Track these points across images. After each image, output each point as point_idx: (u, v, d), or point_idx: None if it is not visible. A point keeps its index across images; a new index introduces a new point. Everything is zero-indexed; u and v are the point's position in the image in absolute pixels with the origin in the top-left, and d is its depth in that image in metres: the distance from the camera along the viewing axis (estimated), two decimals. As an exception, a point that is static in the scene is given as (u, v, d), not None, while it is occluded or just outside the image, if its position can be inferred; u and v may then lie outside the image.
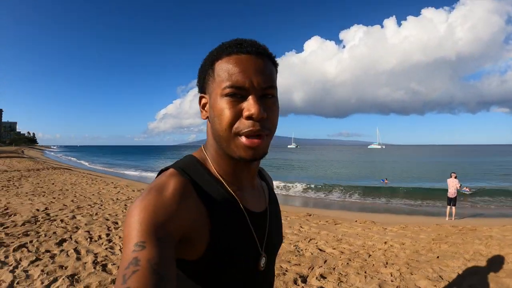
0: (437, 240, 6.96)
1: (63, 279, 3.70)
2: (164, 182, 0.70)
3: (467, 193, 17.66)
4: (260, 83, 0.71)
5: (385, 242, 6.79)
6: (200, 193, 0.72)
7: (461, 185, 11.74)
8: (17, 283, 3.56)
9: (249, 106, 0.70)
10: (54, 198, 9.74)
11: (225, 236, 0.73)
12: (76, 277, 3.80)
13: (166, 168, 0.77)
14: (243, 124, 0.70)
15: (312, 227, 8.21)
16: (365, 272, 4.89)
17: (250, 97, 0.70)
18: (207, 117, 0.79)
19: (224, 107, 0.71)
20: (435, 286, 4.39)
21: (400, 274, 4.84)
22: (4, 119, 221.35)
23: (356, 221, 9.65)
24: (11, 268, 3.96)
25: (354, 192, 19.53)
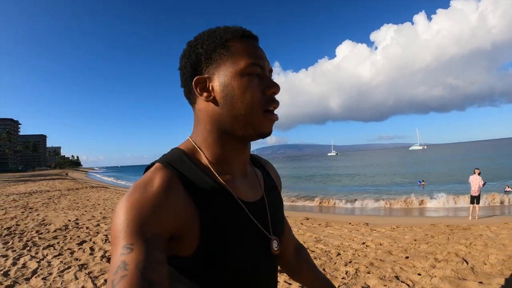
0: (419, 241, 6.70)
1: (75, 266, 4.81)
2: (148, 178, 0.66)
3: (510, 192, 16.35)
4: (270, 66, 0.76)
5: (363, 243, 6.67)
6: (188, 187, 0.68)
7: (485, 182, 10.93)
8: (40, 269, 4.75)
9: (272, 83, 0.72)
10: (86, 211, 11.01)
11: (218, 229, 0.68)
12: (85, 265, 4.87)
13: (152, 164, 0.74)
14: (270, 100, 0.71)
15: (300, 229, 8.18)
16: (324, 270, 4.88)
17: (266, 77, 0.73)
18: (212, 100, 0.73)
19: (248, 85, 0.70)
20: (385, 285, 4.24)
21: (356, 272, 4.75)
22: (48, 144, 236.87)
23: (350, 223, 9.49)
24: (37, 260, 5.17)
25: (380, 197, 18.71)
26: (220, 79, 0.71)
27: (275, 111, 0.74)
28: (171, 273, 0.66)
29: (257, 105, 0.70)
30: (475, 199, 10.86)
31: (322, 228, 8.58)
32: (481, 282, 4.17)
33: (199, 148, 0.76)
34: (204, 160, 0.74)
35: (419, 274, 4.60)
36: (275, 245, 0.78)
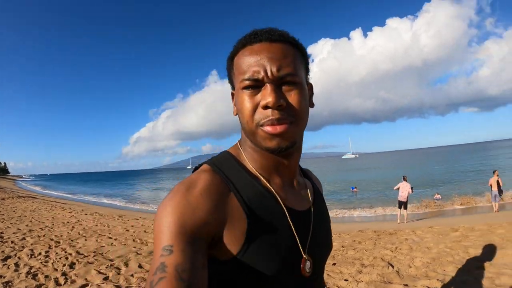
0: (346, 247, 6.55)
1: (-2, 284, 4.40)
2: (194, 179, 0.66)
3: (439, 199, 17.25)
4: (274, 72, 0.66)
5: None
6: (235, 190, 0.68)
7: (412, 188, 11.43)
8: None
9: (265, 95, 0.66)
10: (11, 223, 10.15)
11: (262, 234, 0.67)
12: (10, 283, 4.49)
13: (200, 165, 0.75)
14: (262, 114, 0.67)
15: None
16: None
17: (265, 87, 0.67)
18: (236, 114, 0.75)
19: (241, 100, 0.69)
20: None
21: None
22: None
23: None
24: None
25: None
26: (235, 94, 0.73)
27: (288, 123, 0.67)
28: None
29: (251, 120, 0.68)
30: (402, 204, 11.27)
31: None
32: (406, 285, 4.07)
33: (244, 154, 0.76)
34: (250, 166, 0.74)
35: (346, 280, 4.41)
36: (307, 265, 0.72)
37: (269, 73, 0.66)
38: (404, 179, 11.66)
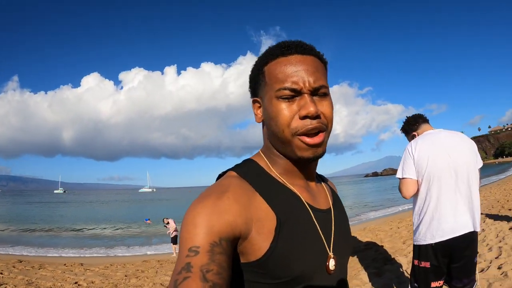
0: (129, 276, 7.64)
1: None
2: (223, 184, 0.69)
3: None
4: (311, 83, 0.70)
5: (76, 282, 6.96)
6: (262, 192, 0.71)
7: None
8: None
9: (304, 105, 0.69)
10: None
11: (291, 231, 0.69)
12: None
13: (225, 172, 0.78)
14: (300, 124, 0.70)
15: (12, 272, 7.42)
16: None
17: (303, 97, 0.70)
18: (262, 120, 0.79)
19: (279, 108, 0.71)
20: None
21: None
22: None
23: (65, 264, 9.34)
24: None
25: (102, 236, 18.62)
26: (264, 102, 0.76)
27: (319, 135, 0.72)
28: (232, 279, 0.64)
29: (287, 130, 0.71)
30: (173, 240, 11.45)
31: (35, 270, 8.16)
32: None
33: (267, 161, 0.79)
34: (273, 171, 0.78)
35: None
36: (332, 263, 0.75)
37: (307, 84, 0.70)
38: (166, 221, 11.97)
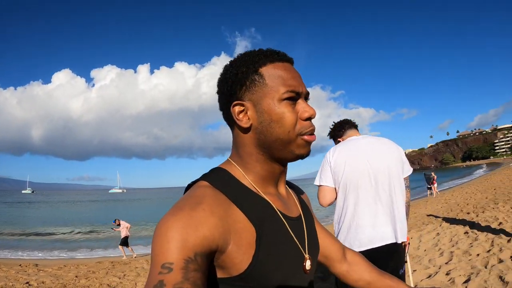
0: (80, 277, 7.46)
1: None
2: (197, 195, 0.66)
3: None
4: (305, 88, 0.75)
5: (27, 282, 6.79)
6: (236, 202, 0.68)
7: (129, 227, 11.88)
8: None
9: (307, 108, 0.73)
10: None
11: (269, 241, 0.69)
12: None
13: (194, 182, 0.75)
14: (304, 125, 0.73)
15: None
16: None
17: (301, 101, 0.74)
18: (250, 125, 0.74)
19: (284, 111, 0.71)
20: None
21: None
22: None
23: (20, 265, 9.10)
24: None
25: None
26: (257, 105, 0.73)
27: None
28: None
29: (293, 131, 0.72)
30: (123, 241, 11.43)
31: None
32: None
33: (239, 168, 0.77)
34: (246, 180, 0.76)
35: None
36: (308, 263, 0.77)
37: (304, 89, 0.75)
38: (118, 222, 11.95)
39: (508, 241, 5.31)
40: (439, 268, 4.56)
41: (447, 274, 4.26)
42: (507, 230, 6.12)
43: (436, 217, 9.64)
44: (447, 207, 11.65)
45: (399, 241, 2.10)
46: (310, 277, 0.81)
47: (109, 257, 11.54)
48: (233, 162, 0.78)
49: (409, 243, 2.36)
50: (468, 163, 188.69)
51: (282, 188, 0.84)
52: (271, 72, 0.73)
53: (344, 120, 2.52)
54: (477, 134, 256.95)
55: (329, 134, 2.58)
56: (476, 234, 6.29)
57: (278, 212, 0.75)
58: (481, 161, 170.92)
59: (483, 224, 7.16)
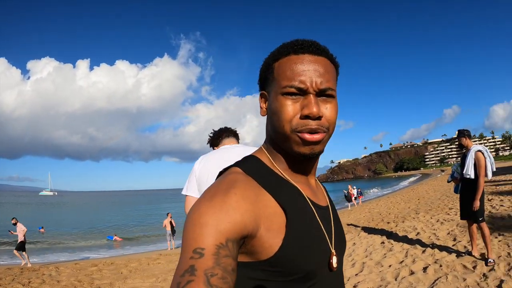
0: None
1: None
2: (229, 181, 0.67)
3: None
4: (318, 84, 0.70)
5: None
6: (268, 188, 0.69)
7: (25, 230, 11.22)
8: None
9: (308, 105, 0.69)
10: None
11: (299, 228, 0.68)
12: None
13: (227, 168, 0.76)
14: (301, 122, 0.70)
15: None
16: None
17: (308, 97, 0.70)
18: (266, 114, 0.78)
19: (282, 104, 0.71)
20: None
21: None
22: None
23: None
24: None
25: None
26: (270, 97, 0.76)
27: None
28: (238, 281, 0.62)
29: (288, 125, 0.70)
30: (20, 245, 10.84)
31: None
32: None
33: (269, 156, 0.78)
34: (276, 167, 0.77)
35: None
36: (334, 260, 0.75)
37: (314, 85, 0.69)
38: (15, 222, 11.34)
39: (423, 251, 5.57)
40: (348, 280, 4.65)
41: (354, 286, 4.33)
42: (423, 240, 6.40)
43: (356, 226, 10.01)
44: (369, 217, 12.14)
45: None
46: (339, 275, 0.79)
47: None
48: (264, 150, 0.81)
49: None
50: (400, 173, 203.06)
51: (312, 179, 0.84)
52: (280, 66, 0.73)
53: (223, 128, 2.46)
54: (408, 146, 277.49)
55: (208, 142, 2.50)
56: (392, 244, 6.50)
57: (308, 199, 0.75)
58: (412, 172, 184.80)
59: (400, 234, 7.44)
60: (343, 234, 0.87)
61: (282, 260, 0.65)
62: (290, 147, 0.73)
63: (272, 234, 0.65)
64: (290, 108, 0.70)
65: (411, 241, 6.49)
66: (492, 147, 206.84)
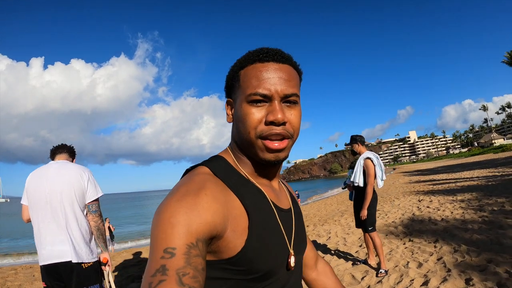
0: None
1: None
2: (198, 181, 0.68)
3: None
4: (283, 90, 0.72)
5: None
6: (234, 190, 0.71)
7: None
8: None
9: (272, 111, 0.71)
10: None
11: (261, 230, 0.71)
12: None
13: (193, 167, 0.77)
14: (266, 128, 0.72)
15: None
16: None
17: (273, 103, 0.72)
18: (232, 121, 0.80)
19: (247, 112, 0.72)
20: None
21: None
22: None
23: None
24: None
25: None
26: (236, 104, 0.77)
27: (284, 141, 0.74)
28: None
29: (253, 132, 0.72)
30: None
31: None
32: None
33: (234, 158, 0.80)
34: (241, 170, 0.78)
35: None
36: (292, 260, 0.77)
37: (278, 91, 0.72)
38: None
39: (322, 258, 5.20)
40: None
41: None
42: (329, 246, 6.21)
43: None
44: None
45: (78, 261, 2.32)
46: (296, 275, 0.82)
47: None
48: (230, 152, 0.82)
49: (108, 264, 2.61)
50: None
51: (276, 182, 0.86)
52: (246, 74, 0.75)
53: (60, 145, 2.72)
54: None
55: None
56: None
57: (270, 201, 0.77)
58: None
59: (312, 237, 7.20)
60: (304, 235, 0.91)
61: (243, 259, 0.66)
62: (255, 153, 0.75)
63: (237, 235, 0.67)
64: (255, 115, 0.72)
65: (318, 246, 6.28)
66: (443, 145, 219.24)
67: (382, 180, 4.52)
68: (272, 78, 0.72)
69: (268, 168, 0.80)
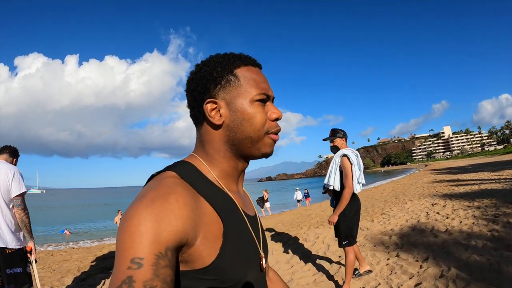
0: None
1: None
2: (167, 185, 0.63)
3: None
4: (272, 93, 0.80)
5: None
6: (205, 196, 0.68)
7: None
8: None
9: (275, 110, 0.78)
10: None
11: (234, 236, 0.69)
12: None
13: (159, 172, 0.73)
14: (272, 125, 0.77)
15: None
16: None
17: (270, 103, 0.78)
18: (222, 122, 0.76)
19: (258, 110, 0.75)
20: None
21: None
22: None
23: None
24: None
25: None
26: (230, 104, 0.75)
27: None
28: None
29: (262, 129, 0.75)
30: None
31: None
32: None
33: (205, 163, 0.77)
34: (211, 175, 0.76)
35: None
36: (263, 262, 0.79)
37: (272, 93, 0.80)
38: None
39: (304, 265, 4.89)
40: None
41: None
42: (313, 251, 5.73)
43: (271, 231, 8.85)
44: (292, 219, 11.05)
45: (1, 245, 2.67)
46: (264, 276, 0.83)
47: None
48: (198, 157, 0.78)
49: (33, 253, 2.97)
50: (386, 168, 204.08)
51: (241, 187, 0.86)
52: (245, 74, 0.76)
53: (5, 146, 3.08)
54: (396, 141, 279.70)
55: None
56: (283, 253, 5.94)
57: (240, 208, 0.76)
58: (399, 166, 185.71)
59: (300, 241, 6.76)
60: (266, 238, 0.90)
61: (218, 269, 0.63)
62: (258, 149, 0.76)
63: (209, 243, 0.64)
64: (262, 113, 0.75)
65: (302, 252, 5.79)
66: (478, 142, 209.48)
67: (359, 183, 3.69)
68: (266, 82, 0.79)
69: (238, 172, 0.80)
